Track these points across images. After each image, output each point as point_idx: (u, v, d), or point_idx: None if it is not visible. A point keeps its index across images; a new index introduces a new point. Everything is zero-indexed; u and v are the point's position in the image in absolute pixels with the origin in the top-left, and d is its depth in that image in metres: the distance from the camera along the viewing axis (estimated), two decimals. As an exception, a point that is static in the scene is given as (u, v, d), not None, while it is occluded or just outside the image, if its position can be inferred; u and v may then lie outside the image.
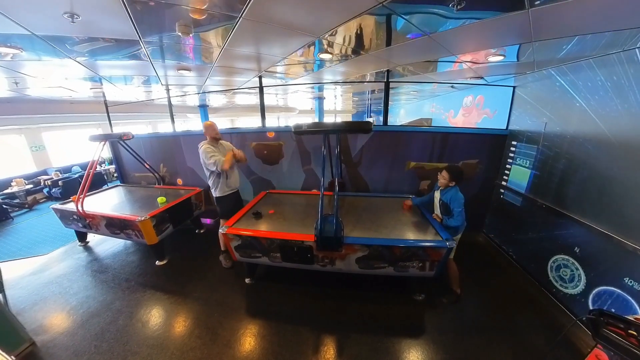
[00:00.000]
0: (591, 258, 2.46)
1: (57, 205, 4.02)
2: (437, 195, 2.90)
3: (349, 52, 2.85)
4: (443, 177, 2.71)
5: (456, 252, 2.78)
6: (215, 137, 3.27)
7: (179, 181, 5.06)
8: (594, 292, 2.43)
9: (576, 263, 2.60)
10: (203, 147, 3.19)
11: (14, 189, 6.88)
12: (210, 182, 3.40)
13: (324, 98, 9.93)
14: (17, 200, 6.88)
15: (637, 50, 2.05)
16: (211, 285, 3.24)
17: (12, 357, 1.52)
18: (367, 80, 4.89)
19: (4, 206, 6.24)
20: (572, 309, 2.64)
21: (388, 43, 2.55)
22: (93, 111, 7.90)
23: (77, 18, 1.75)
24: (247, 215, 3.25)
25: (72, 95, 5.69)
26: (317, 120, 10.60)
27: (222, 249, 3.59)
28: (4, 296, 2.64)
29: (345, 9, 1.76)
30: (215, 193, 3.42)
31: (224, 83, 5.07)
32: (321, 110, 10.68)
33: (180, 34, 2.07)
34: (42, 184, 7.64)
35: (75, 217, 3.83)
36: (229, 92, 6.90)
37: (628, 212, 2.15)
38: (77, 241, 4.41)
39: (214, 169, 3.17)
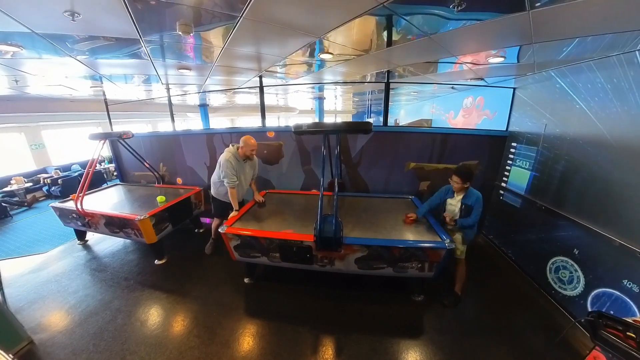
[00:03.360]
0: (590, 260, 2.47)
1: (57, 204, 4.01)
2: (454, 202, 2.75)
3: (350, 52, 2.85)
4: (456, 182, 2.62)
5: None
6: (247, 154, 3.26)
7: (179, 180, 5.06)
8: (592, 294, 2.43)
9: (575, 265, 2.60)
10: (227, 157, 3.20)
11: (13, 187, 6.88)
12: (213, 181, 3.47)
13: (324, 98, 9.93)
14: (16, 199, 6.88)
15: (637, 52, 2.06)
16: (210, 284, 3.23)
17: (10, 355, 1.52)
18: (368, 80, 4.90)
19: (4, 204, 6.24)
20: (571, 310, 2.64)
21: (389, 44, 2.56)
22: (93, 110, 7.89)
23: (77, 16, 1.75)
24: (247, 215, 3.25)
25: (72, 93, 5.68)
26: (317, 120, 10.61)
27: (213, 237, 3.87)
28: (3, 294, 2.63)
29: (346, 9, 1.76)
30: (212, 192, 3.51)
31: (225, 82, 5.07)
32: (321, 110, 10.68)
33: (180, 33, 2.07)
34: (41, 182, 7.64)
35: (74, 215, 3.83)
36: (230, 92, 6.90)
37: (627, 214, 2.16)
38: (76, 240, 4.41)
39: (224, 181, 3.24)
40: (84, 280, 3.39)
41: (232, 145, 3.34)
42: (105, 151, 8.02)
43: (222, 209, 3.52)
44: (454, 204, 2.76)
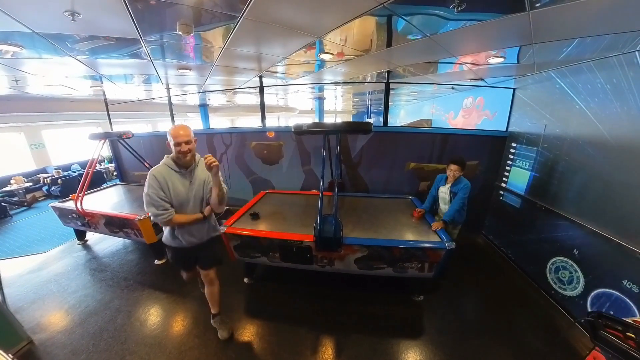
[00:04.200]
0: (590, 260, 2.47)
1: (56, 204, 4.01)
2: (444, 190, 3.00)
3: (350, 52, 2.85)
4: (454, 170, 2.81)
5: (456, 252, 2.77)
6: (182, 152, 1.88)
7: (179, 180, 5.05)
8: (592, 294, 2.43)
9: (575, 265, 2.60)
10: (151, 171, 1.95)
11: (13, 186, 6.88)
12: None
13: (324, 98, 9.93)
14: (16, 198, 6.88)
15: (636, 53, 2.06)
16: (210, 284, 3.23)
17: (10, 355, 1.51)
18: (368, 81, 4.90)
19: (3, 204, 6.23)
20: (571, 311, 2.64)
21: (389, 44, 2.56)
22: (93, 109, 7.89)
23: (77, 16, 1.75)
24: (246, 215, 3.25)
25: (72, 93, 5.68)
26: (317, 120, 10.61)
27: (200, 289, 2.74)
28: (2, 294, 2.63)
29: (346, 9, 1.76)
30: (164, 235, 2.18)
31: (225, 82, 5.07)
32: (321, 110, 10.68)
33: (181, 33, 2.07)
34: (41, 182, 7.63)
35: (74, 215, 3.82)
36: (230, 92, 6.90)
37: (627, 214, 2.16)
38: (76, 239, 4.40)
39: (150, 216, 1.95)
40: (84, 280, 3.39)
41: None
42: (105, 151, 8.02)
43: (179, 257, 2.24)
44: (445, 191, 2.99)
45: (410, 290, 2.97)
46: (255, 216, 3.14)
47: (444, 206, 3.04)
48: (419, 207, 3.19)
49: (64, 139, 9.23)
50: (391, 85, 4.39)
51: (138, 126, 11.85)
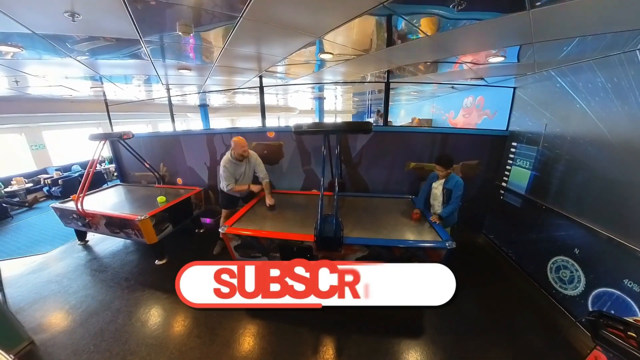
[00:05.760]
0: (591, 259, 2.46)
1: (57, 204, 4.01)
2: (437, 185, 3.06)
3: (350, 52, 2.85)
4: (440, 170, 2.91)
5: (456, 253, 2.77)
6: (241, 154, 3.36)
7: (179, 181, 5.06)
8: (593, 293, 2.43)
9: (576, 264, 2.60)
10: (223, 163, 3.39)
11: (14, 187, 6.89)
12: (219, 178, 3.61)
13: (324, 98, 9.93)
14: (17, 199, 6.89)
15: (637, 52, 2.05)
16: (210, 284, 3.23)
17: (11, 355, 1.52)
18: (368, 80, 4.89)
19: (4, 205, 6.24)
20: (572, 310, 2.64)
21: (389, 43, 2.55)
22: (93, 110, 7.89)
23: (77, 17, 1.75)
24: (247, 215, 3.25)
25: (73, 94, 5.69)
26: (317, 120, 10.61)
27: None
28: (3, 295, 2.63)
29: (346, 9, 1.76)
30: (219, 186, 3.64)
31: (225, 83, 5.07)
32: (321, 110, 10.68)
33: (180, 33, 2.07)
34: (42, 182, 7.65)
35: (74, 216, 3.83)
36: (230, 92, 6.90)
37: (628, 213, 2.15)
38: (77, 240, 4.41)
39: (223, 185, 3.45)
40: (85, 281, 3.39)
41: (229, 151, 3.50)
42: (106, 152, 8.03)
43: (229, 201, 3.68)
44: (437, 187, 3.07)
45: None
46: (271, 208, 3.39)
47: (434, 202, 3.12)
48: (416, 208, 3.17)
49: (64, 139, 9.24)
50: (391, 85, 4.39)
51: (138, 127, 11.85)
